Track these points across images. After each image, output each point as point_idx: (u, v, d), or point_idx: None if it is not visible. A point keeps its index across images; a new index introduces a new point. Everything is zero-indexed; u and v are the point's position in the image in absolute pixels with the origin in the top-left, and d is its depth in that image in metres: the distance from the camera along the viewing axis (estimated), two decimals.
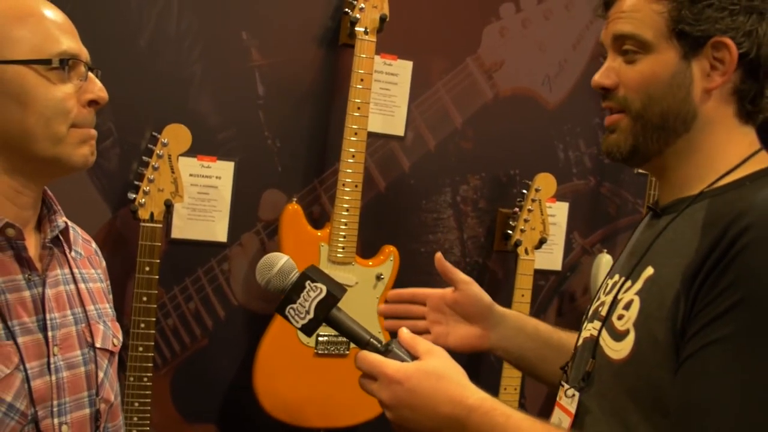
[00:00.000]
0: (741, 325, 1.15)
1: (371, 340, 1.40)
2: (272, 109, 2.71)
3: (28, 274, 1.36)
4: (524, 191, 2.91)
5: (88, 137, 1.38)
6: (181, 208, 2.60)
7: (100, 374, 1.46)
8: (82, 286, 1.48)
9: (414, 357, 1.38)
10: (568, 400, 1.43)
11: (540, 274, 3.10)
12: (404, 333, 1.41)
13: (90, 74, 1.39)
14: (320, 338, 2.61)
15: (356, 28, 2.58)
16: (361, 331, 1.42)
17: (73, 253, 1.49)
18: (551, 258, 3.13)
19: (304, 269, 1.42)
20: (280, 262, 1.42)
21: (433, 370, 1.33)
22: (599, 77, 1.40)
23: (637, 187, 3.23)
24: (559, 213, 3.13)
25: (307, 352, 2.62)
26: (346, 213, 2.61)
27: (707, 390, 1.16)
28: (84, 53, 1.38)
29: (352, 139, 2.60)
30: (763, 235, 1.16)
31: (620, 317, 1.34)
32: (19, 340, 1.31)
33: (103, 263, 1.62)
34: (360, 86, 2.59)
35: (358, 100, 2.60)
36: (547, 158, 3.10)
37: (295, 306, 1.38)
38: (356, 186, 2.61)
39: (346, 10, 2.62)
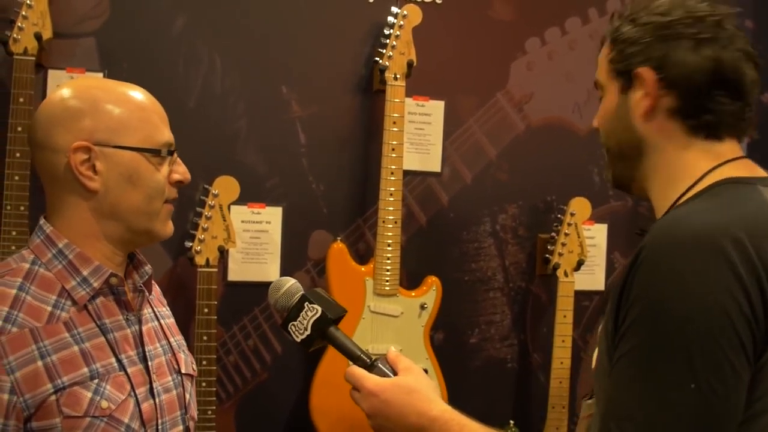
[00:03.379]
0: (639, 339, 1.27)
1: (360, 355, 1.57)
2: (314, 155, 2.92)
3: (126, 315, 1.59)
4: (560, 216, 3.04)
5: (171, 212, 1.63)
6: (235, 252, 2.81)
7: (187, 396, 1.70)
8: (162, 322, 1.71)
9: (396, 372, 1.55)
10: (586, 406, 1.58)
11: (584, 295, 3.22)
12: (391, 351, 1.59)
13: (178, 158, 1.62)
14: None
15: (386, 75, 2.77)
16: (352, 347, 1.59)
17: (150, 296, 1.71)
18: (594, 278, 3.24)
19: (305, 292, 1.60)
20: (286, 285, 1.61)
21: (405, 385, 1.51)
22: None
23: None
24: (598, 235, 3.25)
25: None
26: (388, 248, 2.79)
27: (617, 398, 1.30)
28: (173, 139, 1.62)
29: (390, 178, 2.78)
30: (650, 252, 1.27)
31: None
32: (129, 370, 1.55)
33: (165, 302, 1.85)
34: (394, 129, 2.78)
35: (393, 142, 2.78)
36: (582, 183, 3.23)
37: (295, 323, 1.56)
38: (396, 222, 2.79)
39: (376, 58, 2.81)
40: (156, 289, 1.80)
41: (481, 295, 3.14)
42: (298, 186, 2.91)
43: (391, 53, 2.79)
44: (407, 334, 2.83)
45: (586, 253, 3.04)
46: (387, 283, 2.80)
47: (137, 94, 1.60)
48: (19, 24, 2.47)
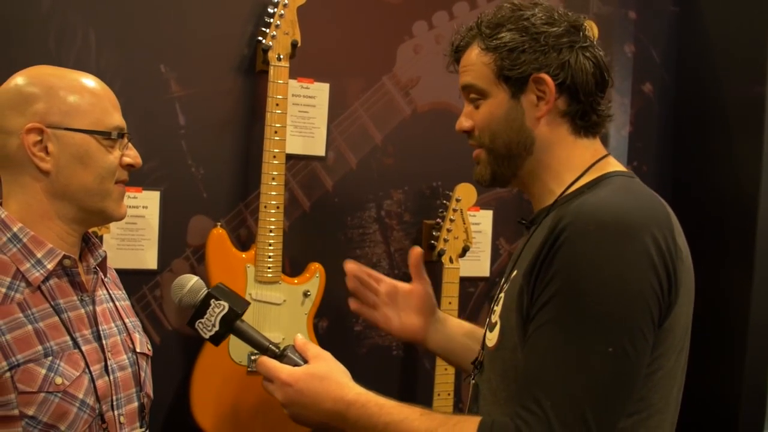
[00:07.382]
0: (560, 309, 1.43)
1: (270, 346, 1.67)
2: (194, 137, 2.80)
3: (80, 296, 1.70)
4: (446, 202, 3.01)
5: (124, 193, 1.76)
6: (110, 239, 2.68)
7: (142, 374, 1.82)
8: (117, 303, 1.83)
9: (306, 360, 1.66)
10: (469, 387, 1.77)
11: (469, 282, 3.21)
12: (298, 339, 1.70)
13: (129, 143, 1.75)
14: (252, 356, 2.70)
15: (269, 55, 2.68)
16: (261, 339, 1.69)
17: (106, 279, 1.84)
18: (479, 265, 3.23)
19: (210, 288, 1.68)
20: (190, 282, 1.70)
21: (317, 372, 1.61)
22: (459, 122, 1.71)
23: None
24: (483, 221, 3.24)
25: (239, 370, 2.70)
26: (270, 234, 2.71)
27: (538, 364, 1.45)
28: (125, 124, 1.75)
29: (273, 162, 2.69)
30: (574, 234, 1.44)
31: (493, 312, 1.66)
32: (84, 348, 1.65)
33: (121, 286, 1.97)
34: (277, 111, 2.69)
35: (276, 125, 2.69)
36: (468, 169, 3.13)
37: (203, 320, 1.65)
38: (278, 207, 2.70)
39: (259, 38, 2.72)
40: (112, 273, 1.93)
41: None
42: (176, 169, 2.79)
43: (274, 33, 2.69)
44: (290, 322, 2.75)
45: (471, 240, 3.03)
46: (269, 270, 2.72)
47: (90, 81, 1.71)
48: None
